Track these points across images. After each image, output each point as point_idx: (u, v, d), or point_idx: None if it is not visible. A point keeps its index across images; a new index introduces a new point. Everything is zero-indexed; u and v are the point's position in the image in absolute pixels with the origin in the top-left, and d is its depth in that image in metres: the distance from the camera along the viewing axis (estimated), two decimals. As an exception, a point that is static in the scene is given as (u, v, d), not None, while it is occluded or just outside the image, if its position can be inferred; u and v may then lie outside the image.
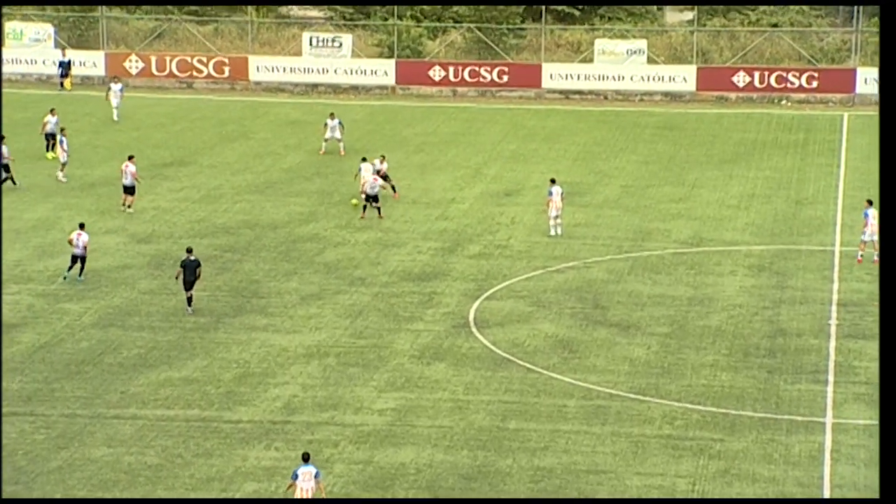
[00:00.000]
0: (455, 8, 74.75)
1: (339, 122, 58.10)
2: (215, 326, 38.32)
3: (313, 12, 78.49)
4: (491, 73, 70.58)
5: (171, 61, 71.73)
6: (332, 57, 71.28)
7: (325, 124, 58.08)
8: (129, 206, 48.93)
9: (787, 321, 39.21)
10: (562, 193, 46.76)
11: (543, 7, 72.36)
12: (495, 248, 45.65)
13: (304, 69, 71.37)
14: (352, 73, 71.26)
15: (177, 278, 39.42)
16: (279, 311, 39.58)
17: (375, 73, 71.31)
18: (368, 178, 48.54)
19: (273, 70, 71.56)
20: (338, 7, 76.49)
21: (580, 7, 75.38)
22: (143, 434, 31.57)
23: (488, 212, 49.89)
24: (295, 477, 27.88)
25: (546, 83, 70.32)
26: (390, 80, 71.09)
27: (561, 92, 70.29)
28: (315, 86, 71.27)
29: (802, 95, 68.78)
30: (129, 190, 49.04)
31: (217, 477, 29.69)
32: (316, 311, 39.55)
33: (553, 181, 47.21)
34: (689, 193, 52.65)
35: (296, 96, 70.50)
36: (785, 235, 47.39)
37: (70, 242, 42.03)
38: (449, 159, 57.73)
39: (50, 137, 56.25)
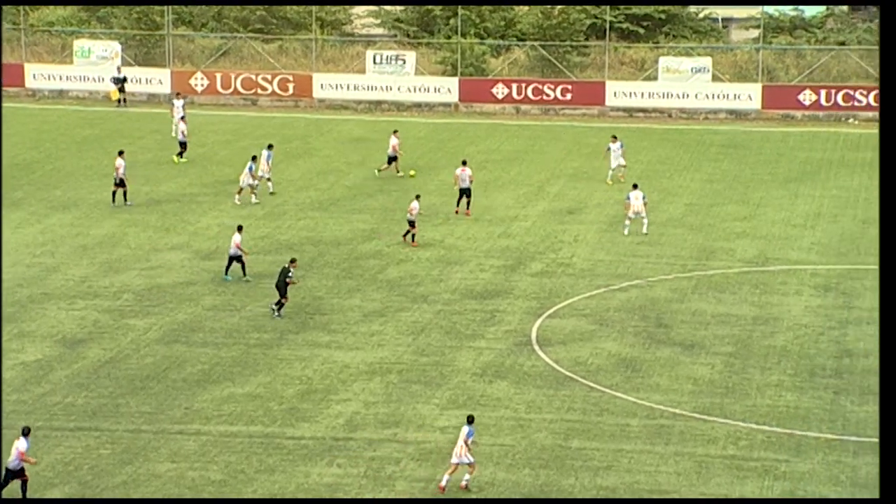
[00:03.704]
0: (519, 26, 74.81)
1: (622, 145, 55.77)
2: (278, 343, 38.45)
3: (377, 30, 78.82)
4: (554, 90, 70.51)
5: (235, 79, 72.26)
6: (396, 74, 71.49)
7: (608, 148, 55.88)
8: (396, 171, 56.23)
9: (853, 341, 38.78)
10: (643, 198, 48.36)
11: (607, 25, 72.26)
12: (558, 266, 45.52)
13: (368, 87, 71.65)
14: (415, 91, 71.43)
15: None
16: (342, 327, 39.67)
17: (439, 90, 71.44)
18: (264, 166, 53.17)
19: (337, 87, 71.90)
20: (402, 25, 76.76)
21: (644, 25, 75.18)
22: (206, 450, 31.71)
23: (551, 229, 49.77)
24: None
25: (610, 101, 70.17)
26: (454, 97, 71.20)
27: (625, 110, 70.09)
28: (378, 103, 71.51)
29: (870, 114, 68.05)
30: (392, 159, 56.39)
31: (279, 493, 29.75)
32: (378, 329, 39.59)
33: (635, 186, 49.23)
34: (755, 212, 52.27)
35: (359, 114, 70.78)
36: (852, 255, 46.91)
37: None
38: (512, 177, 57.68)
39: (182, 146, 58.88)
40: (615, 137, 56.77)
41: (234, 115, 69.92)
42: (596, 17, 74.08)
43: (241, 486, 30.02)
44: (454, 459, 29.84)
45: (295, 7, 76.05)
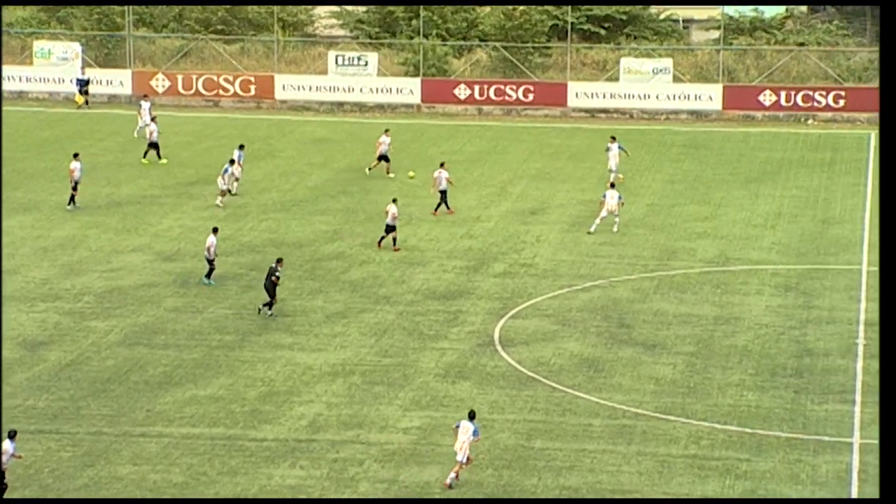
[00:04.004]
0: (481, 26, 74.92)
1: (620, 147, 55.16)
2: (240, 344, 38.37)
3: (339, 31, 78.75)
4: (516, 91, 70.63)
5: (197, 80, 72.03)
6: (358, 75, 71.45)
7: (608, 148, 55.36)
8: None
9: (813, 341, 39.04)
10: (619, 198, 48.74)
11: (569, 26, 72.44)
12: (520, 266, 45.61)
13: (330, 87, 71.57)
14: (377, 92, 71.40)
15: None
16: (304, 329, 39.63)
17: (401, 91, 71.44)
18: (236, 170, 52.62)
19: (299, 89, 71.78)
20: (364, 26, 76.73)
21: (606, 26, 75.44)
22: (168, 452, 31.61)
23: (513, 230, 49.87)
24: (457, 426, 30.10)
25: (571, 102, 70.35)
26: (416, 98, 71.22)
27: (586, 111, 70.28)
28: (341, 104, 71.45)
29: (829, 114, 68.60)
30: (383, 158, 56.35)
31: (242, 495, 29.69)
32: (341, 330, 39.57)
33: (612, 185, 50.38)
34: (715, 212, 52.53)
35: (321, 115, 70.70)
36: (812, 255, 47.22)
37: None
38: (474, 178, 57.75)
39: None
40: (614, 138, 56.51)
41: (195, 117, 69.69)
42: (557, 19, 74.28)
43: (204, 489, 29.94)
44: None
45: (256, 8, 75.89)
